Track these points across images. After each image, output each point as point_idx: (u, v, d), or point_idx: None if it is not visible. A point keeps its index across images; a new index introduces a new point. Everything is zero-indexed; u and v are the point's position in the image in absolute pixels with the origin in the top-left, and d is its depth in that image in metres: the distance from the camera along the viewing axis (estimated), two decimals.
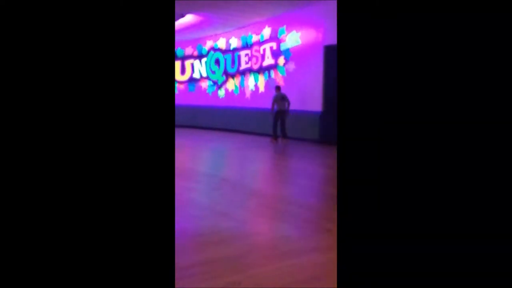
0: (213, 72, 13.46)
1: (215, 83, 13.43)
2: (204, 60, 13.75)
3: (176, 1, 8.93)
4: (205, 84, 13.86)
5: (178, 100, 14.41)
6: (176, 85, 14.44)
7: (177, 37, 13.37)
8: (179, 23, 10.95)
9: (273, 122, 9.63)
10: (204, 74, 13.83)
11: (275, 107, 9.47)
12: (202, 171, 6.35)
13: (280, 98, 9.48)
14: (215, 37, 13.14)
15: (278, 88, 9.70)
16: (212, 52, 13.41)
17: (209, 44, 13.47)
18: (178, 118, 14.05)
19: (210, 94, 13.61)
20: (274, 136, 9.65)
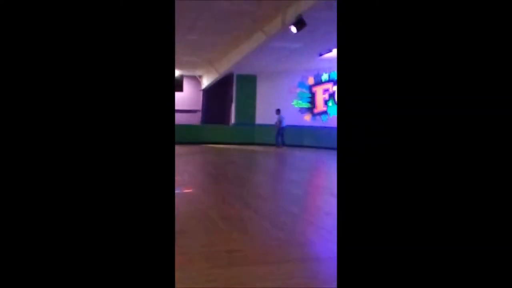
0: None
1: None
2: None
3: (326, 38, 9.42)
4: None
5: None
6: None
7: (318, 66, 14.00)
8: (325, 56, 11.80)
9: (276, 135, 13.84)
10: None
11: (279, 124, 13.80)
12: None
13: (282, 118, 13.79)
14: None
15: (278, 110, 13.92)
16: None
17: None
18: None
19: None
20: (277, 145, 13.75)
